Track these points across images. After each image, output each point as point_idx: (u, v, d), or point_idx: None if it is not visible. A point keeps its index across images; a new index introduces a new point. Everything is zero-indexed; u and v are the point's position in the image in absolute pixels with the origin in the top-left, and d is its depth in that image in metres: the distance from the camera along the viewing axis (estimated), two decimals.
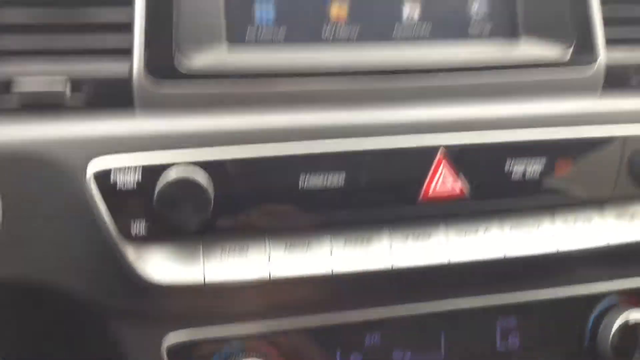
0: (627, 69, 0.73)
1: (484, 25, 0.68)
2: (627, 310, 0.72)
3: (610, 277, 0.73)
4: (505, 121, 0.65)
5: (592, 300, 0.73)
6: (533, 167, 0.65)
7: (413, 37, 0.67)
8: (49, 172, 0.54)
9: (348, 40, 0.65)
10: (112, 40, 0.60)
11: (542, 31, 0.68)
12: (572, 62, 0.68)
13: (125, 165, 0.54)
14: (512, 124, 0.65)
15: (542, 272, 0.69)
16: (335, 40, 0.65)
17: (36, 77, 0.56)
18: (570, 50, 0.68)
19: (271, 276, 0.58)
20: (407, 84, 0.65)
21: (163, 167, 0.54)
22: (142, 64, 0.58)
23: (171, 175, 0.53)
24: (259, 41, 0.63)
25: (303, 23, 0.64)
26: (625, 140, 0.67)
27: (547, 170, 0.65)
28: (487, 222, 0.65)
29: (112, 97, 0.59)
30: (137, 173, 0.54)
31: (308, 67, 0.63)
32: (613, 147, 0.67)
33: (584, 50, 0.69)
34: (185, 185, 0.53)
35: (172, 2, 0.59)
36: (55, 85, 0.57)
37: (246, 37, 0.63)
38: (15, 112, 0.56)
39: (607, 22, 0.70)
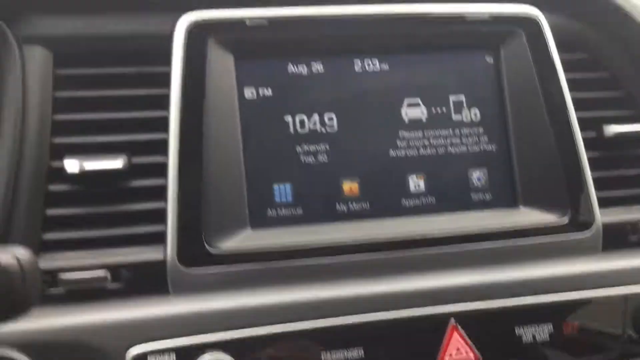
0: (624, 227, 0.78)
1: (484, 196, 0.75)
2: None
3: None
4: (512, 286, 0.69)
5: None
6: (543, 330, 0.68)
7: (420, 209, 0.73)
8: (90, 357, 0.59)
9: (360, 214, 0.72)
10: (146, 229, 0.67)
11: (540, 199, 0.74)
12: (571, 226, 0.73)
13: (161, 348, 0.59)
14: (519, 288, 0.69)
15: None
16: (349, 215, 0.71)
17: (80, 271, 0.63)
18: (568, 215, 0.73)
19: None
20: (416, 255, 0.70)
21: (195, 350, 0.59)
22: (174, 252, 0.64)
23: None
24: (279, 221, 0.69)
25: (318, 201, 0.71)
26: (626, 298, 0.71)
27: (556, 332, 0.68)
28: None
29: (148, 281, 0.64)
30: (171, 356, 0.59)
31: (325, 243, 0.68)
32: (616, 305, 0.70)
33: (581, 214, 0.74)
34: None
35: (201, 194, 0.66)
36: (98, 275, 0.63)
37: (267, 220, 0.69)
38: (61, 301, 0.62)
39: (600, 184, 0.76)
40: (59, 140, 0.66)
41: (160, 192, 0.66)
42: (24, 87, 0.64)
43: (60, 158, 0.65)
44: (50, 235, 0.65)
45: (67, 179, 0.65)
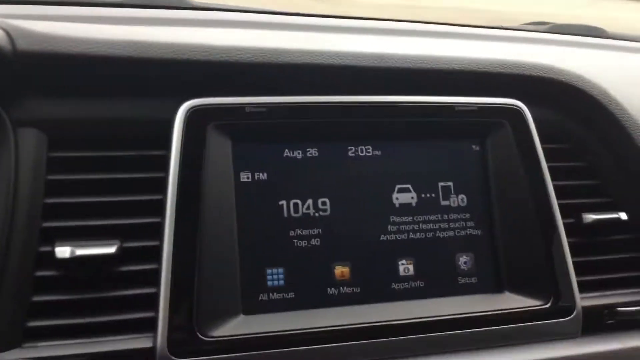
0: (602, 311, 0.81)
1: (470, 280, 0.76)
2: None
3: None
4: None
5: None
6: None
7: (408, 294, 0.73)
8: None
9: (351, 299, 0.72)
10: (135, 316, 0.65)
11: (524, 284, 0.76)
12: (553, 312, 0.75)
13: None
14: None
15: None
16: (340, 299, 0.71)
17: None
18: (551, 301, 0.75)
19: None
20: (405, 340, 0.70)
21: None
22: (164, 340, 0.62)
23: None
24: (271, 306, 0.68)
25: (310, 286, 0.71)
26: None
27: None
28: None
29: None
30: None
31: (317, 329, 0.68)
32: None
33: (563, 300, 0.76)
34: None
35: (194, 279, 0.65)
36: None
37: (259, 305, 0.68)
38: None
39: (579, 270, 0.79)
40: (49, 224, 0.65)
41: (151, 277, 0.65)
42: (17, 170, 0.63)
43: (50, 242, 0.63)
44: (35, 323, 0.62)
45: (56, 264, 0.63)
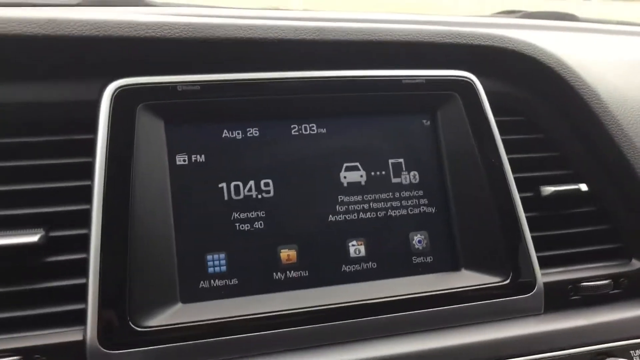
0: (565, 287, 0.78)
1: (425, 259, 0.73)
2: None
3: None
4: (456, 351, 0.67)
5: None
6: None
7: (361, 275, 0.70)
8: None
9: (299, 283, 0.68)
10: (64, 308, 0.62)
11: (481, 261, 0.73)
12: (513, 289, 0.73)
13: None
14: (463, 353, 0.67)
15: None
16: (287, 284, 0.68)
17: None
18: (510, 278, 0.73)
19: None
20: (357, 323, 0.67)
21: None
22: (94, 332, 0.59)
23: None
24: (212, 293, 0.65)
25: (254, 271, 0.68)
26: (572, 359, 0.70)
27: None
28: None
29: None
30: None
31: (261, 316, 0.65)
32: None
33: (523, 276, 0.73)
34: None
35: (126, 267, 0.61)
36: None
37: (199, 293, 0.65)
38: None
39: (540, 245, 0.76)
40: None
41: (81, 268, 0.62)
42: None
43: None
44: None
45: None
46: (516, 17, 1.33)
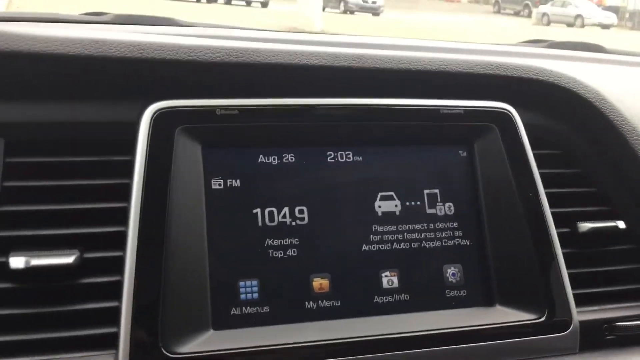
0: (601, 326, 0.76)
1: (459, 293, 0.71)
2: None
3: None
4: None
5: None
6: None
7: (393, 307, 0.69)
8: None
9: (331, 313, 0.67)
10: (96, 331, 0.61)
11: (516, 297, 0.71)
12: (548, 326, 0.71)
13: None
14: None
15: None
16: (319, 313, 0.67)
17: None
18: (545, 315, 0.71)
19: None
20: (389, 356, 0.66)
21: None
22: (126, 357, 0.58)
23: None
24: (244, 321, 0.64)
25: (286, 299, 0.66)
26: None
27: None
28: None
29: None
30: None
31: (292, 345, 0.63)
32: None
33: (559, 314, 0.71)
34: None
35: (159, 292, 0.61)
36: None
37: (231, 320, 0.64)
38: None
39: (576, 282, 0.75)
40: (4, 233, 0.61)
41: (114, 291, 0.61)
42: None
43: (6, 253, 0.60)
44: None
45: (11, 276, 0.59)
46: (543, 47, 1.32)
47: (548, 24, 18.87)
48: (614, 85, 0.92)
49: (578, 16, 18.83)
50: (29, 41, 0.61)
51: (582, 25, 18.36)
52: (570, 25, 18.53)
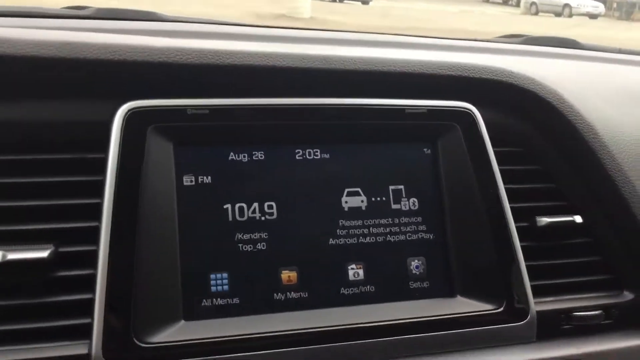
0: (558, 316, 0.80)
1: (422, 284, 0.75)
2: None
3: None
4: None
5: None
6: None
7: (359, 299, 0.72)
8: None
9: (299, 304, 0.70)
10: (70, 322, 0.63)
11: (476, 288, 0.75)
12: (507, 316, 0.74)
13: None
14: None
15: None
16: (287, 304, 0.70)
17: None
18: (504, 305, 0.74)
19: None
20: (354, 345, 0.69)
21: None
22: (99, 346, 0.61)
23: None
24: (214, 312, 0.67)
25: (256, 291, 0.69)
26: None
27: None
28: None
29: None
30: None
31: (261, 335, 0.66)
32: None
33: (517, 304, 0.75)
34: None
35: (132, 284, 0.63)
36: None
37: (202, 311, 0.67)
38: None
39: (534, 274, 0.78)
40: None
41: (88, 283, 0.64)
42: None
43: None
44: None
45: None
46: (518, 42, 1.35)
47: (536, 13, 18.89)
48: (580, 82, 0.95)
49: (566, 5, 18.87)
50: (3, 44, 0.63)
51: (570, 15, 18.40)
52: (558, 14, 18.58)
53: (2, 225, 0.64)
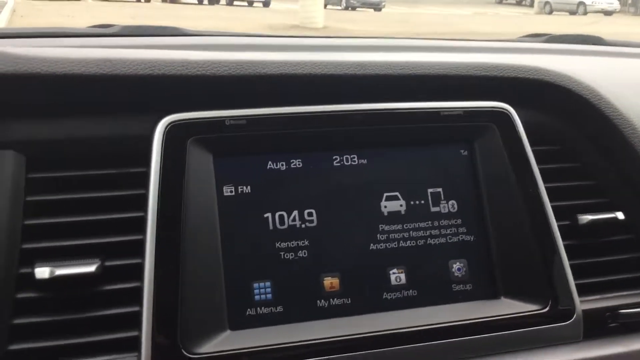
0: (603, 314, 0.78)
1: (465, 287, 0.74)
2: None
3: None
4: None
5: None
6: None
7: (401, 303, 0.72)
8: None
9: (341, 310, 0.70)
10: (119, 335, 0.64)
11: (520, 289, 0.74)
12: (552, 317, 0.73)
13: None
14: None
15: None
16: (330, 311, 0.70)
17: None
18: (549, 305, 0.73)
19: None
20: (398, 350, 0.68)
21: None
22: (148, 358, 0.61)
23: None
24: (259, 321, 0.67)
25: (299, 298, 0.69)
26: None
27: None
28: None
29: None
30: None
31: (306, 342, 0.66)
32: None
33: (562, 304, 0.74)
34: None
35: (178, 296, 0.64)
36: None
37: (246, 320, 0.67)
38: None
39: (578, 272, 0.77)
40: (29, 245, 0.64)
41: (134, 296, 0.64)
42: None
43: (30, 263, 0.63)
44: (16, 346, 0.62)
45: (37, 285, 0.62)
46: (542, 41, 1.34)
47: (550, 12, 18.77)
48: (611, 79, 0.94)
49: (580, 3, 18.73)
50: (46, 63, 0.64)
51: (585, 13, 18.25)
52: (572, 13, 18.44)
53: (50, 241, 0.65)
